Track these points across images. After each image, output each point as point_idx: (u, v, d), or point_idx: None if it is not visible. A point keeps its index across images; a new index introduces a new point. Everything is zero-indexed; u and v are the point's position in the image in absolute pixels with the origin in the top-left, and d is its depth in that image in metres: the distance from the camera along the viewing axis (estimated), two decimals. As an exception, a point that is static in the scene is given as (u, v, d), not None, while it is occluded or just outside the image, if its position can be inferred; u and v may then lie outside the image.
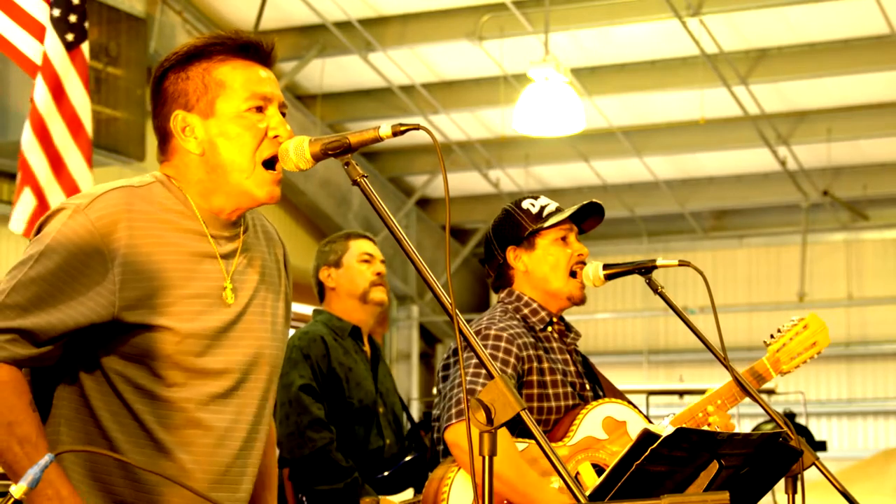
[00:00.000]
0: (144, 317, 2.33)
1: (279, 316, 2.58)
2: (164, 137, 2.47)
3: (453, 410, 3.30)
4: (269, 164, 2.43)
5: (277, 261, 2.63)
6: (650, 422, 3.60)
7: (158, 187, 2.43)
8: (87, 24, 5.45)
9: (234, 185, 2.42)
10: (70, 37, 5.33)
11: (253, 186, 2.42)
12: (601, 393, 3.66)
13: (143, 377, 2.36)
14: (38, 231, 2.37)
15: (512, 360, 3.40)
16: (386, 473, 4.45)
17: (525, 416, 1.96)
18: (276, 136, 2.41)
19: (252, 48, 2.46)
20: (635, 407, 3.54)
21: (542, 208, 3.60)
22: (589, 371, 3.70)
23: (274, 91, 2.45)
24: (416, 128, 2.15)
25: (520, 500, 3.24)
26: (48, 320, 2.27)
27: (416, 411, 13.46)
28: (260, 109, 2.42)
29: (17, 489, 1.74)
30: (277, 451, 4.34)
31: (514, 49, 10.20)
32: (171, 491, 2.36)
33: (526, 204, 3.62)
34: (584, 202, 3.58)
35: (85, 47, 5.41)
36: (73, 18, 5.35)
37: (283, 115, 2.46)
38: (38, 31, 5.24)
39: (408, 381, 14.03)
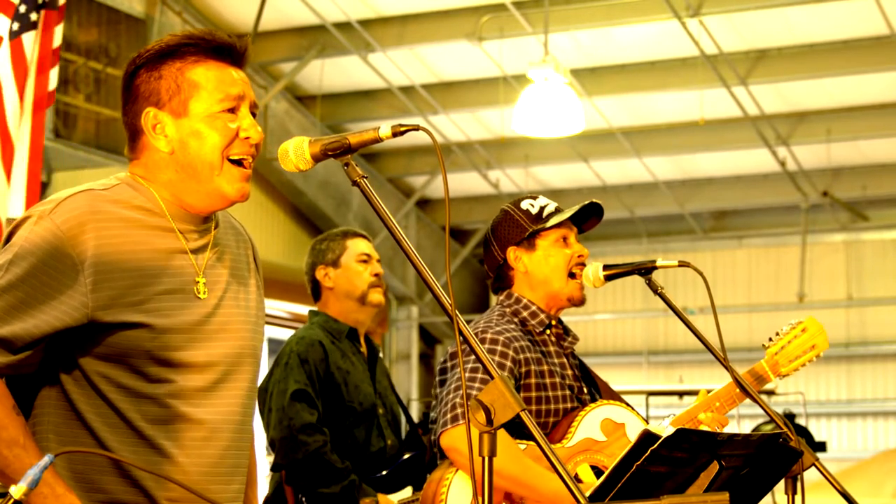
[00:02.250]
0: (120, 315, 2.34)
1: (252, 309, 2.58)
2: (134, 134, 2.48)
3: (448, 415, 3.29)
4: (238, 161, 2.44)
5: (247, 256, 2.64)
6: (648, 424, 3.60)
7: (124, 188, 2.44)
8: (33, 16, 5.33)
9: (203, 185, 2.43)
10: (16, 26, 5.23)
11: (223, 184, 2.43)
12: (598, 396, 3.65)
13: (124, 376, 2.36)
14: (7, 240, 2.39)
15: (508, 363, 3.39)
16: (384, 472, 4.44)
17: (525, 416, 1.96)
18: (246, 138, 2.43)
19: (226, 50, 2.47)
20: (633, 409, 3.54)
21: (542, 208, 3.60)
22: (586, 375, 3.70)
23: (246, 92, 2.47)
24: (416, 128, 2.15)
25: (525, 492, 3.24)
26: (22, 327, 2.29)
27: (415, 412, 13.46)
28: (232, 110, 2.44)
29: (17, 490, 1.74)
30: (272, 456, 4.36)
31: (514, 50, 10.21)
32: (163, 486, 2.37)
33: (525, 204, 3.61)
34: (585, 202, 3.57)
35: (26, 38, 5.28)
36: (22, 9, 5.26)
37: (254, 115, 2.48)
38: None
39: (407, 381, 14.04)
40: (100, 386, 2.36)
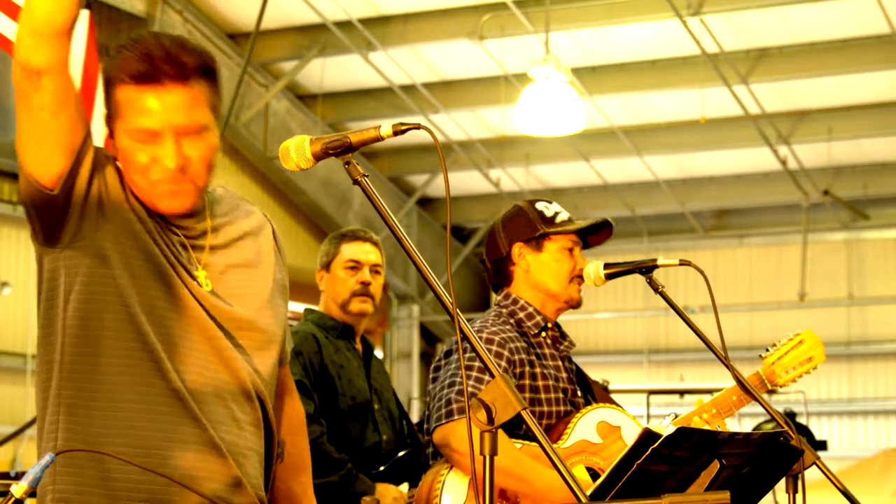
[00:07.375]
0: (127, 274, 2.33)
1: (266, 289, 2.54)
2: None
3: (443, 410, 3.30)
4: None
5: (257, 238, 2.58)
6: (645, 425, 3.61)
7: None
8: None
9: (146, 197, 2.39)
10: None
11: (156, 201, 2.38)
12: (593, 401, 3.66)
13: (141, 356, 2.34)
14: None
15: (503, 363, 3.40)
16: (381, 468, 4.44)
17: (526, 415, 1.96)
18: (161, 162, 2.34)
19: (146, 76, 2.31)
20: (629, 413, 3.56)
21: (556, 214, 3.62)
22: (581, 379, 3.71)
23: (167, 120, 2.31)
24: (417, 127, 2.15)
25: (518, 485, 3.24)
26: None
27: (416, 411, 13.47)
28: (152, 137, 2.33)
29: (18, 489, 1.74)
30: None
31: (515, 48, 10.21)
32: (180, 454, 2.34)
33: (540, 205, 3.64)
34: (600, 219, 3.61)
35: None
36: None
37: (200, 131, 2.36)
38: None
39: (408, 380, 14.04)
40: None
